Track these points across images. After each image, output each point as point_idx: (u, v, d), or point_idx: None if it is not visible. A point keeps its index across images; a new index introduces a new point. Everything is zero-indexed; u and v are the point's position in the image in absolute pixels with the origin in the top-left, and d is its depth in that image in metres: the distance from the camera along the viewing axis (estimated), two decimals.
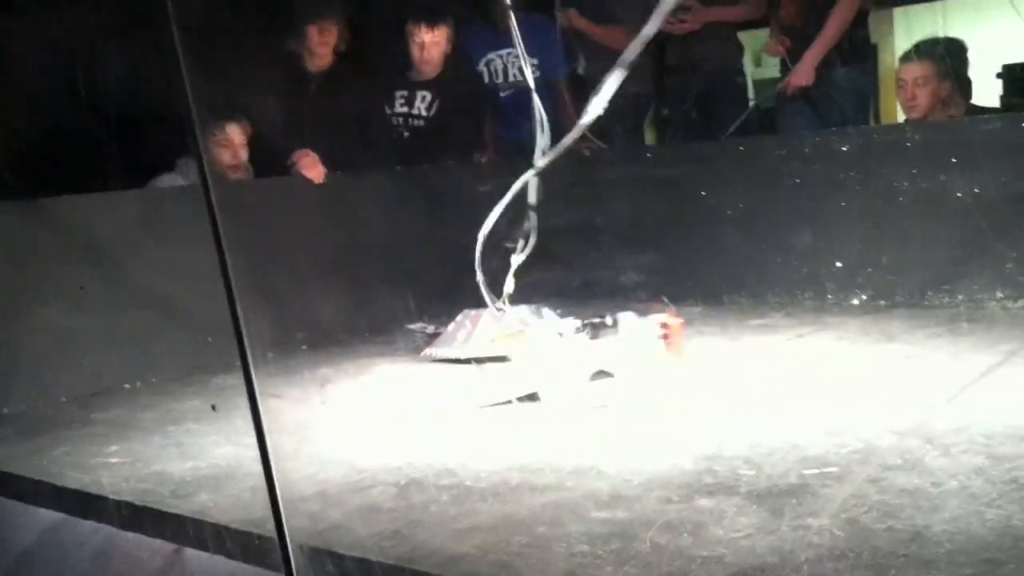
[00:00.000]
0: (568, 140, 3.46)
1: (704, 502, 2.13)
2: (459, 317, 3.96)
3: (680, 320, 3.42)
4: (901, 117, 4.94)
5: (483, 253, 3.71)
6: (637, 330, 3.36)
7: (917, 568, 1.71)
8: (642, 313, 3.50)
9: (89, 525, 2.52)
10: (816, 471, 2.24)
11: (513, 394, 3.19)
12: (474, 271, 3.75)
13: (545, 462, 2.51)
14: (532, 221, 4.09)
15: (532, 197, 4.05)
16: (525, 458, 2.55)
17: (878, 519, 1.94)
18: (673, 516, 2.06)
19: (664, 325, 3.36)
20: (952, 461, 2.24)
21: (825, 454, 2.36)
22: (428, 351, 3.93)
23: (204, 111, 4.50)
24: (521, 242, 4.11)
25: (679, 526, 2.00)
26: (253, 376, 1.53)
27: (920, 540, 1.83)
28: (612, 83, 3.11)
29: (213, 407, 3.37)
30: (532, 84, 3.91)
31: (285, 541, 1.39)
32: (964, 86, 4.71)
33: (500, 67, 5.37)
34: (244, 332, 1.55)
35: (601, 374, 3.27)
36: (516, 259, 4.09)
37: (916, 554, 1.77)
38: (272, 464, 1.41)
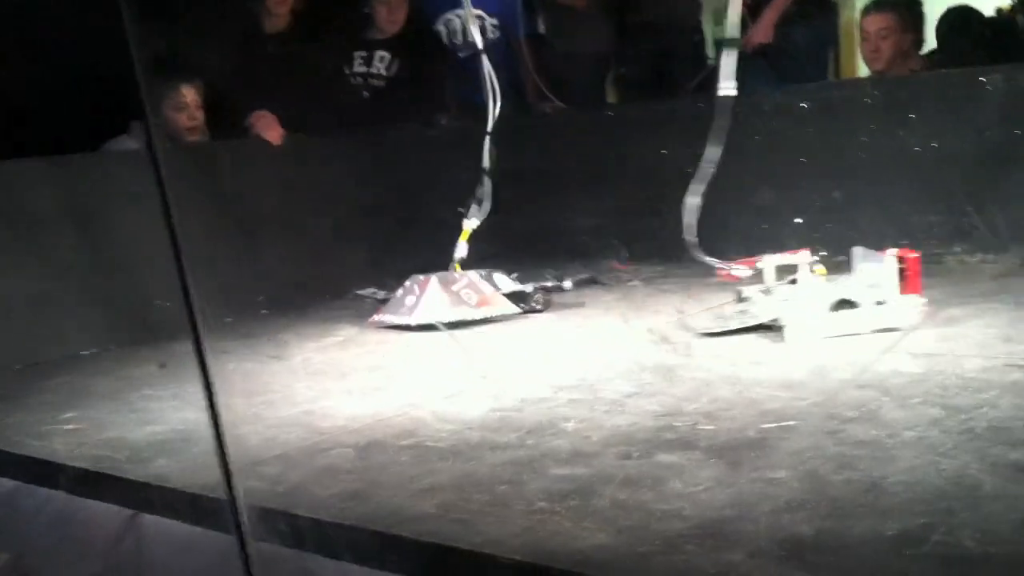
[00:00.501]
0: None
1: (664, 457, 2.14)
2: (407, 282, 3.93)
3: (917, 254, 3.27)
4: (862, 72, 4.95)
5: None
6: (874, 266, 3.25)
7: (873, 517, 1.72)
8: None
9: (45, 492, 2.49)
10: (775, 425, 2.25)
11: (749, 321, 3.19)
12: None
13: (505, 421, 2.50)
14: (487, 187, 4.08)
15: (486, 161, 4.03)
16: (485, 417, 2.55)
17: (835, 470, 1.95)
18: (633, 472, 2.06)
19: (902, 259, 3.22)
20: (909, 413, 2.26)
21: (784, 408, 2.37)
22: (376, 317, 3.91)
23: (156, 73, 4.44)
24: (475, 206, 4.10)
25: (638, 481, 2.00)
26: (202, 340, 1.50)
27: (877, 490, 1.84)
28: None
29: (162, 365, 3.34)
30: (481, 45, 3.90)
31: (236, 503, 1.37)
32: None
33: (459, 26, 5.32)
34: (193, 295, 1.52)
35: (844, 304, 3.16)
36: (469, 223, 4.08)
37: (873, 503, 1.78)
38: (221, 425, 1.39)
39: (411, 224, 4.67)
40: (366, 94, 5.03)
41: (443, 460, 2.26)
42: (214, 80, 4.54)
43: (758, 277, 3.57)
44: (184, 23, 4.89)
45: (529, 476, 2.10)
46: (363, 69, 5.02)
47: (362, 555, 1.87)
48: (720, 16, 6.41)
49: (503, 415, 2.55)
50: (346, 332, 3.84)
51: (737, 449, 2.12)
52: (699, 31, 5.38)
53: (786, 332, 3.05)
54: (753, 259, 3.58)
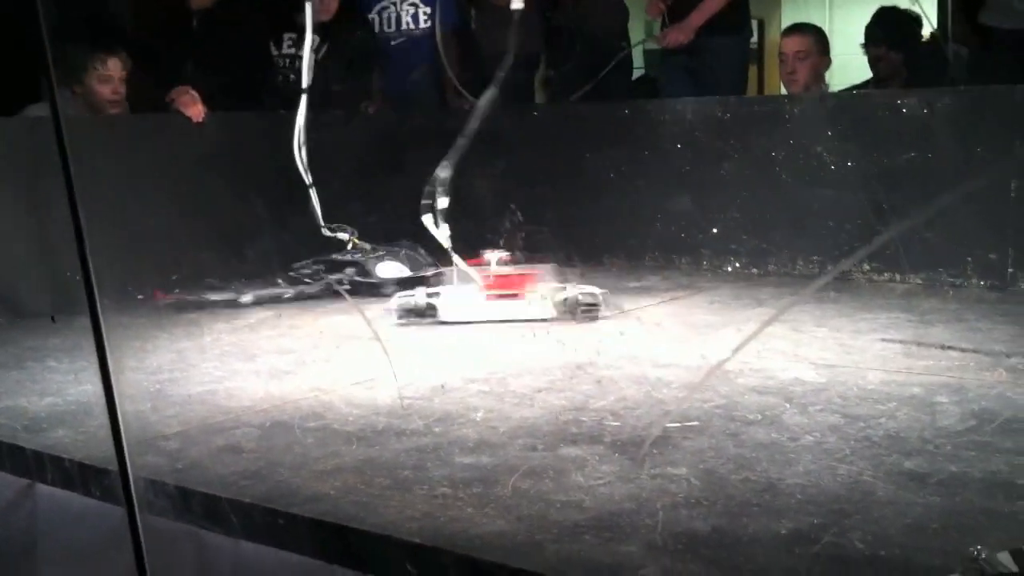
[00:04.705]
0: None
1: (568, 450, 2.15)
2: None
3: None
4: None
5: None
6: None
7: (768, 516, 1.75)
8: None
9: None
10: (678, 424, 2.28)
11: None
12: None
13: (414, 408, 2.50)
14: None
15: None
16: (394, 404, 2.54)
17: (734, 470, 1.99)
18: (536, 463, 2.07)
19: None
20: (809, 419, 2.31)
21: (689, 409, 2.40)
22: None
23: (82, 43, 4.32)
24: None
25: (541, 472, 2.01)
26: (99, 313, 1.47)
27: (773, 491, 1.88)
28: None
29: (52, 319, 3.28)
30: None
31: (126, 475, 1.35)
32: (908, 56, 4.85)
33: (393, 15, 5.29)
34: (91, 267, 1.50)
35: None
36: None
37: (768, 503, 1.82)
38: (115, 396, 1.37)
39: (334, 204, 4.62)
40: (292, 76, 4.98)
41: (348, 444, 2.25)
42: (137, 53, 4.46)
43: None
44: None
45: (434, 463, 2.10)
46: (292, 51, 4.97)
47: (256, 532, 1.85)
48: (651, 27, 6.52)
49: (412, 403, 2.55)
50: (258, 315, 3.80)
51: (640, 446, 2.14)
52: (625, 37, 5.41)
53: (440, 314, 3.52)
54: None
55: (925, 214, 3.45)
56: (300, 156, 4.00)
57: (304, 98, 4.00)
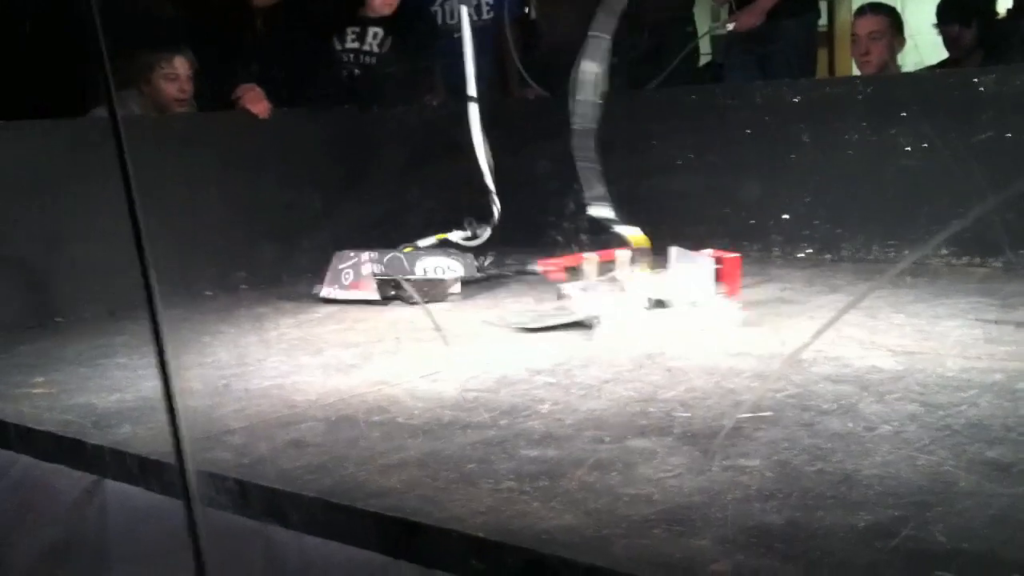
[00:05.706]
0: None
1: (636, 443, 2.10)
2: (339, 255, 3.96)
3: (736, 256, 3.38)
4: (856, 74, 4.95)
5: None
6: (689, 266, 3.29)
7: (844, 509, 1.69)
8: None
9: (6, 455, 2.45)
10: (750, 415, 2.22)
11: (565, 318, 3.21)
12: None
13: (479, 401, 2.47)
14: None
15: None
16: (459, 397, 2.51)
17: (809, 461, 1.92)
18: (604, 456, 2.03)
19: (719, 260, 3.29)
20: (886, 407, 2.23)
21: (761, 399, 2.34)
22: (318, 288, 3.93)
23: (148, 42, 4.35)
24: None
25: (609, 465, 1.97)
26: (157, 308, 1.46)
27: (849, 482, 1.81)
28: None
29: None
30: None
31: (184, 468, 1.33)
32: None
33: (455, 7, 5.27)
34: (149, 264, 1.49)
35: (659, 303, 3.18)
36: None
37: (845, 495, 1.75)
38: (173, 391, 1.36)
39: (394, 203, 4.62)
40: (357, 71, 4.98)
41: (413, 437, 2.22)
42: (203, 52, 4.49)
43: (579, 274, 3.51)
44: None
45: (499, 456, 2.07)
46: (355, 45, 4.97)
47: (320, 527, 1.83)
48: (716, 12, 6.42)
49: (478, 395, 2.52)
50: (325, 309, 3.79)
51: (710, 437, 2.09)
52: (689, 23, 5.33)
53: (597, 330, 3.08)
54: (578, 256, 3.53)
55: (1007, 195, 3.33)
56: (488, 175, 3.96)
57: (474, 107, 3.94)
